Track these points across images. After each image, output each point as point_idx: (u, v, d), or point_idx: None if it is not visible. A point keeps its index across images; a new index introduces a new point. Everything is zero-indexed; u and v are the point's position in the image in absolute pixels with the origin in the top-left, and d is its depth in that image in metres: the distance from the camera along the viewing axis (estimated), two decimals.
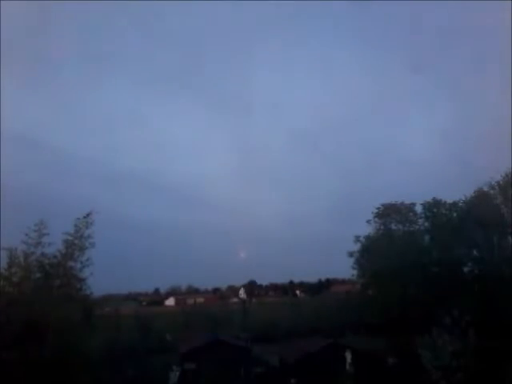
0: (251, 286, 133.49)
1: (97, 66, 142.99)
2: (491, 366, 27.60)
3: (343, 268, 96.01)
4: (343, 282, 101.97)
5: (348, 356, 34.42)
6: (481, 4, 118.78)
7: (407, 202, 46.85)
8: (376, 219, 46.93)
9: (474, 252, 45.17)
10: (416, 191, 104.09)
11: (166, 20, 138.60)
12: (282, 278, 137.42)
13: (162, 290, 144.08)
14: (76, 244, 20.94)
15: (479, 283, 44.40)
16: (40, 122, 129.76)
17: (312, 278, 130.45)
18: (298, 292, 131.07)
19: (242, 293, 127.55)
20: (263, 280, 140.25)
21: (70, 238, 20.93)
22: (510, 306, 35.69)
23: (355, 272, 49.43)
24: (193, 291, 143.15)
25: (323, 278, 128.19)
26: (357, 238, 47.34)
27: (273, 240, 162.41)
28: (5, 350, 17.85)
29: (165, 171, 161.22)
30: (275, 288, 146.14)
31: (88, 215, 21.29)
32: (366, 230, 47.14)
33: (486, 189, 44.59)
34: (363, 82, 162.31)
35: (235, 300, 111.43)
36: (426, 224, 45.98)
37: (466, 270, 45.91)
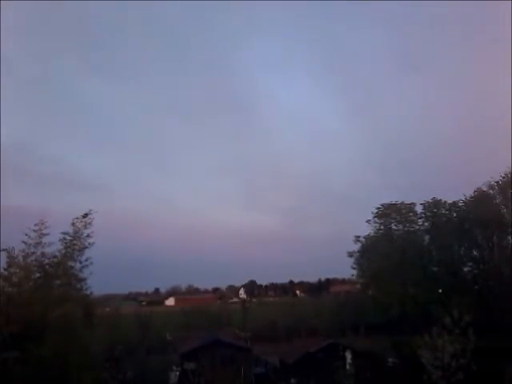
0: (251, 286, 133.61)
1: None
2: (491, 366, 27.59)
3: (343, 268, 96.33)
4: (343, 281, 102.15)
5: (348, 356, 34.42)
6: (481, 4, 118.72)
7: (407, 201, 46.92)
8: (376, 219, 46.95)
9: (474, 252, 45.25)
10: (416, 191, 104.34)
11: None
12: (281, 278, 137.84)
13: (162, 290, 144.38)
14: (75, 244, 20.93)
15: (479, 283, 44.48)
16: None
17: (312, 278, 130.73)
18: (297, 292, 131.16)
19: (241, 293, 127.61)
20: (263, 280, 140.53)
21: (68, 237, 20.91)
22: (510, 306, 35.73)
23: (355, 272, 49.59)
24: (193, 291, 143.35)
25: (323, 278, 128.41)
26: (357, 238, 47.37)
27: (273, 240, 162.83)
28: (5, 350, 17.82)
29: None
30: (275, 288, 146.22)
31: (86, 215, 21.27)
32: (366, 229, 47.21)
33: (485, 189, 44.67)
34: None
35: (235, 300, 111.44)
36: (426, 224, 46.01)
37: (465, 269, 45.98)
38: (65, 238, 20.84)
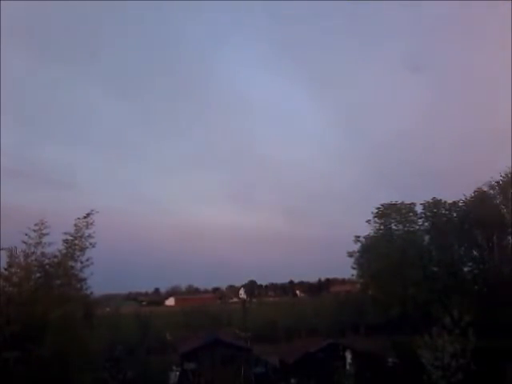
0: (251, 286, 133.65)
1: None
2: (491, 365, 27.61)
3: (343, 268, 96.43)
4: (343, 281, 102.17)
5: (348, 356, 34.41)
6: (481, 4, 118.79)
7: (407, 201, 46.96)
8: (376, 219, 46.98)
9: (474, 252, 45.27)
10: (416, 191, 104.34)
11: None
12: (281, 278, 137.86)
13: (162, 290, 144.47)
14: (76, 244, 20.95)
15: (479, 283, 44.51)
16: None
17: (312, 278, 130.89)
18: (297, 292, 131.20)
19: (241, 293, 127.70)
20: (263, 280, 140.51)
21: (70, 237, 20.93)
22: (509, 306, 35.73)
23: (355, 272, 49.65)
24: (193, 291, 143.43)
25: (323, 278, 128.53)
26: (357, 238, 47.42)
27: (273, 240, 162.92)
28: (5, 350, 17.83)
29: None
30: (275, 288, 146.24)
31: (88, 215, 21.31)
32: (366, 229, 47.26)
33: (485, 189, 44.72)
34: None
35: (235, 300, 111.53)
36: (426, 224, 46.05)
37: (465, 269, 46.00)
38: (66, 238, 20.87)
